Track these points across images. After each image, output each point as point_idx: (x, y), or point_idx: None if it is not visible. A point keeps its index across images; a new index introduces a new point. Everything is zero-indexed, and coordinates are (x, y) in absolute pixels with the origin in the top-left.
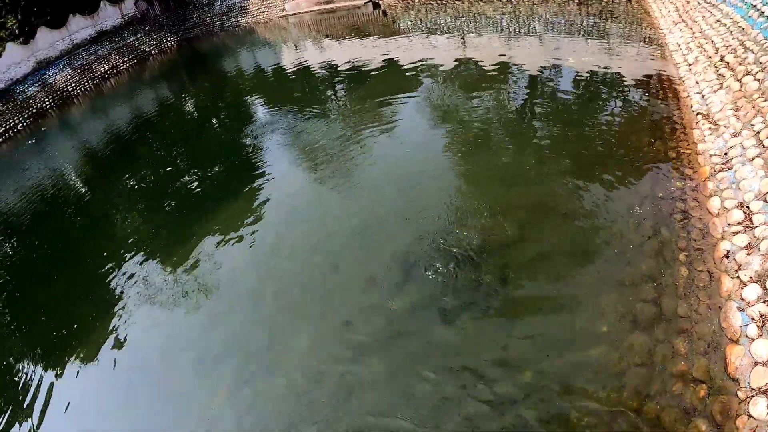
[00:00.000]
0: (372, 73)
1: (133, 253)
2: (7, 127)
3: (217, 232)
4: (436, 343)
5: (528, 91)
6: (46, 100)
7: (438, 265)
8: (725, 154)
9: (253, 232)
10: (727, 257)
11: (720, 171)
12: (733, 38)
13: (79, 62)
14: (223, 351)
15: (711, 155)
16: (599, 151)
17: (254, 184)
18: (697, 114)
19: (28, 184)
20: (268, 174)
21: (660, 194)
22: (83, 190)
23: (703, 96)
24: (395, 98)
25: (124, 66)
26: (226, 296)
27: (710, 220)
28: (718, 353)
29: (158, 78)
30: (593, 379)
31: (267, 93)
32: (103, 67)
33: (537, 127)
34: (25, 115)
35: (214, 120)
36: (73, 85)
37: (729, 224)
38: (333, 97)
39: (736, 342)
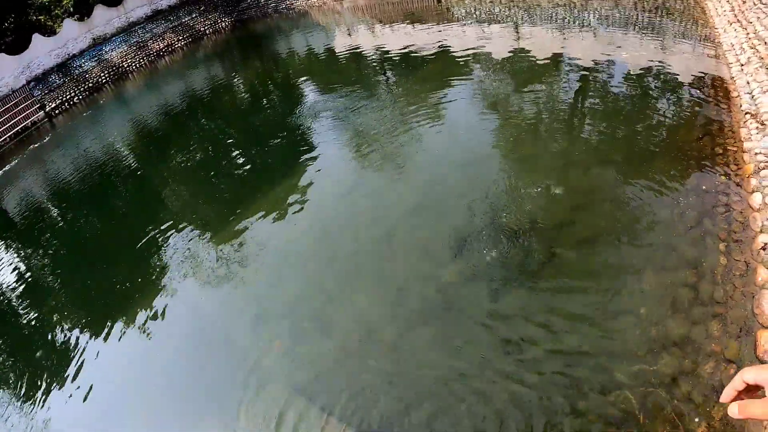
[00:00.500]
0: (425, 60)
1: (189, 222)
2: (64, 99)
3: (274, 206)
4: (484, 311)
5: (580, 84)
6: (103, 75)
7: (490, 241)
8: None
9: (308, 206)
10: (765, 249)
11: (764, 168)
12: None
13: (134, 39)
14: (279, 310)
15: (756, 153)
16: (648, 145)
17: (308, 163)
18: (746, 113)
19: (83, 156)
20: (321, 153)
21: (704, 187)
22: (135, 162)
23: (752, 96)
24: (447, 85)
25: (179, 44)
26: (284, 263)
27: (750, 214)
28: (750, 337)
29: (212, 57)
30: (628, 355)
31: (319, 76)
32: (158, 44)
33: (588, 119)
34: (82, 89)
35: (265, 100)
36: (129, 61)
37: None
38: (385, 82)
39: (767, 328)
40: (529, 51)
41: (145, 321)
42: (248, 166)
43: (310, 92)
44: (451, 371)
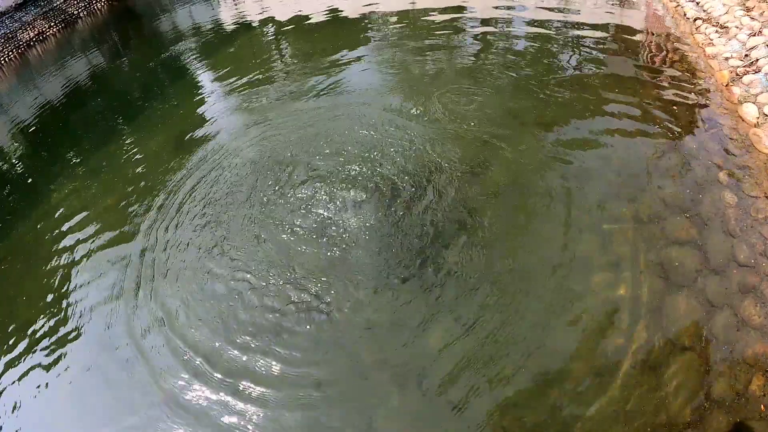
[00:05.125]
0: (316, 27)
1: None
2: None
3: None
4: None
5: (486, 28)
6: None
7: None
8: (746, 55)
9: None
10: None
11: (745, 74)
12: None
13: (2, 31)
14: None
15: (726, 58)
16: (584, 72)
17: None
18: (695, 20)
19: None
20: (216, 132)
21: (670, 104)
22: (12, 165)
23: (697, 3)
24: (342, 53)
25: (51, 31)
26: None
27: (749, 131)
28: None
29: (89, 42)
30: (607, 392)
31: (209, 54)
32: (28, 34)
33: (503, 63)
34: None
35: (154, 86)
36: None
37: None
38: (278, 54)
39: None
40: (426, 6)
41: None
42: (140, 156)
43: (201, 73)
44: None
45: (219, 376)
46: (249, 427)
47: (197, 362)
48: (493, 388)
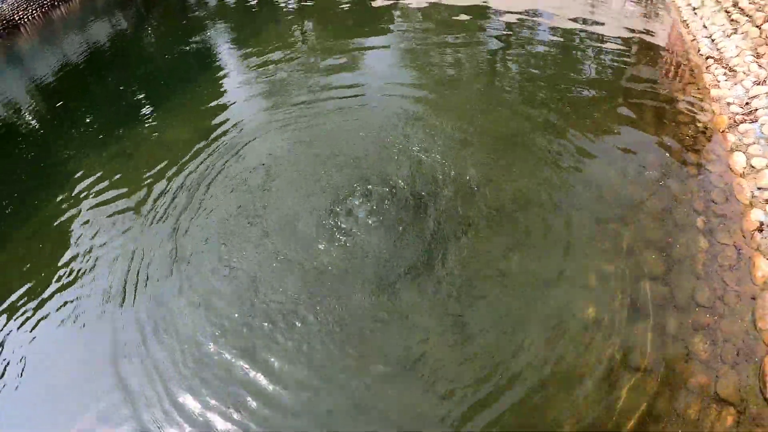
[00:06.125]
0: (340, 7)
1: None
2: None
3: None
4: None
5: (505, 33)
6: None
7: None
8: (747, 103)
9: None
10: (761, 231)
11: (742, 122)
12: None
13: None
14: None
15: (729, 103)
16: (590, 93)
17: (218, 112)
18: (707, 58)
19: None
20: (233, 106)
21: (666, 140)
22: (33, 126)
23: (713, 40)
24: (364, 36)
25: None
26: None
27: (734, 181)
28: (752, 364)
29: (113, 5)
30: (569, 399)
31: (231, 25)
32: None
33: (514, 73)
34: None
35: (175, 53)
36: (21, 13)
37: (760, 188)
38: (300, 31)
39: None
40: (452, 2)
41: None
42: (156, 123)
43: (221, 43)
44: None
45: None
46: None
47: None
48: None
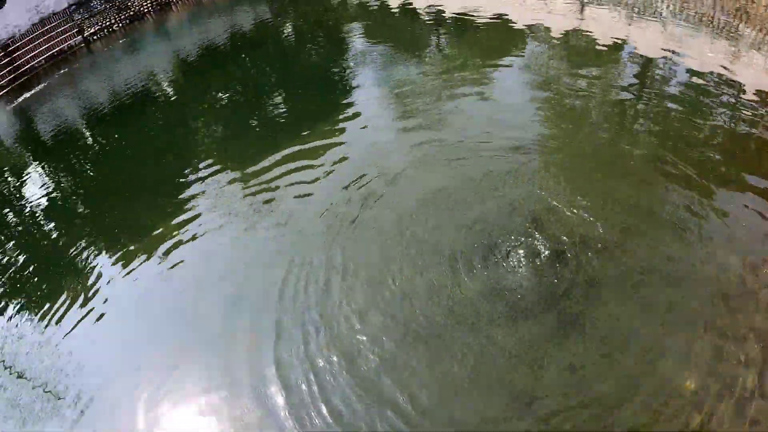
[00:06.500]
0: (478, 24)
1: (219, 161)
2: (104, 25)
3: (307, 155)
4: None
5: (638, 77)
6: (145, 4)
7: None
8: None
9: (341, 168)
10: None
11: None
12: None
13: None
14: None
15: None
16: (710, 155)
17: (345, 115)
18: None
19: (115, 83)
20: (359, 108)
21: None
22: (169, 94)
23: None
24: (498, 56)
25: None
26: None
27: None
28: None
29: None
30: None
31: (368, 26)
32: None
33: (641, 115)
34: (122, 17)
35: (310, 44)
36: None
37: None
38: (435, 42)
39: None
40: (590, 32)
41: (161, 253)
42: (285, 110)
43: (357, 42)
44: None
45: None
46: None
47: None
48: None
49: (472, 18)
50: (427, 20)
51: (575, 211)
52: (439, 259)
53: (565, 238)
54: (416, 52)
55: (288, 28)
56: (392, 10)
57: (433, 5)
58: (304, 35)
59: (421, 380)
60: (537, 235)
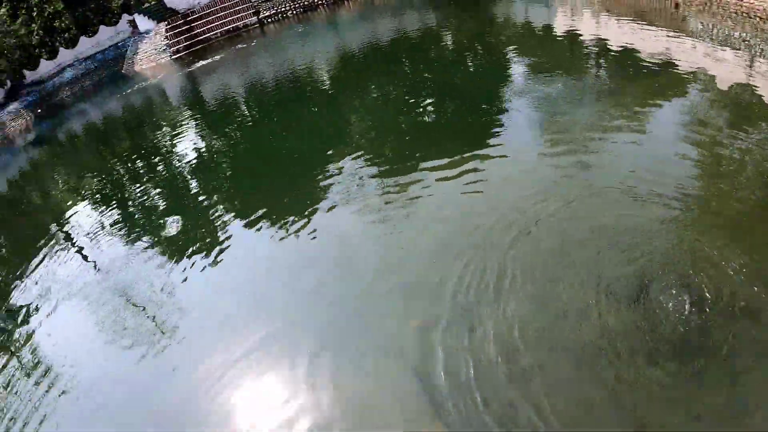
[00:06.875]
0: (641, 65)
1: (364, 153)
2: (279, 11)
3: (451, 168)
4: None
5: None
6: None
7: None
8: None
9: (483, 193)
10: None
11: None
12: None
13: None
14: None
15: None
16: None
17: (493, 139)
18: None
19: (281, 64)
20: (507, 133)
21: None
22: (329, 83)
23: None
24: (657, 97)
25: None
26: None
27: None
28: None
29: (426, 1)
30: None
31: (528, 49)
32: None
33: None
34: (297, 5)
35: (469, 60)
36: None
37: None
38: (594, 75)
39: None
40: (757, 87)
41: (291, 231)
42: (436, 120)
43: (514, 64)
44: None
45: None
46: None
47: None
48: None
49: (635, 55)
50: (590, 51)
51: (731, 270)
52: (597, 287)
53: (718, 294)
54: (573, 82)
55: (449, 38)
56: (557, 36)
57: (599, 37)
58: (463, 47)
59: (559, 391)
60: (690, 286)
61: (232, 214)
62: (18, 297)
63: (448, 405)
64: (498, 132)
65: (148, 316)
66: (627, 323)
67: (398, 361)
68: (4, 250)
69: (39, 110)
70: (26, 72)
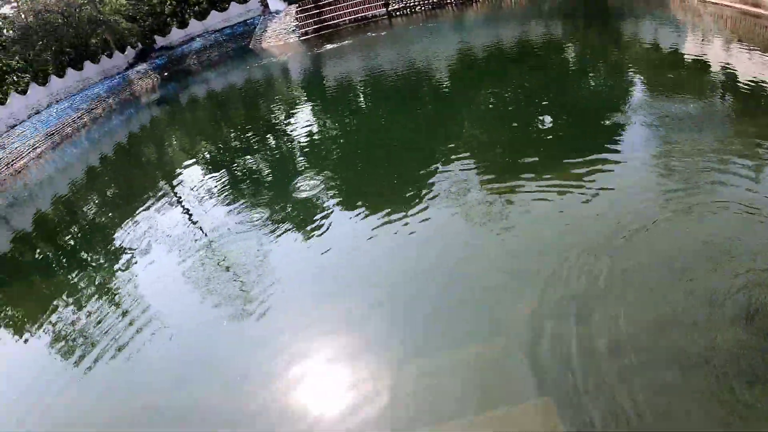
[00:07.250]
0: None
1: (469, 157)
2: (408, 5)
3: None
4: None
5: None
6: None
7: None
8: None
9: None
10: None
11: None
12: None
13: None
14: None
15: None
16: None
17: (604, 156)
18: None
19: (405, 56)
20: (621, 151)
21: None
22: (446, 83)
23: None
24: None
25: None
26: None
27: None
28: None
29: (554, 11)
30: None
31: (651, 69)
32: None
33: None
34: (426, 2)
35: (590, 74)
36: None
37: None
38: (721, 104)
39: None
40: None
41: (402, 219)
42: (545, 132)
43: (636, 81)
44: None
45: None
46: None
47: None
48: None
49: (764, 88)
50: (716, 79)
51: None
52: (709, 300)
53: None
54: (696, 108)
55: (572, 52)
56: (684, 60)
57: (727, 65)
58: (585, 64)
59: (659, 393)
60: None
61: (336, 195)
62: (121, 239)
63: (554, 384)
64: (613, 147)
65: (238, 281)
66: (736, 341)
67: (509, 341)
68: (117, 196)
69: (165, 73)
70: (157, 37)
